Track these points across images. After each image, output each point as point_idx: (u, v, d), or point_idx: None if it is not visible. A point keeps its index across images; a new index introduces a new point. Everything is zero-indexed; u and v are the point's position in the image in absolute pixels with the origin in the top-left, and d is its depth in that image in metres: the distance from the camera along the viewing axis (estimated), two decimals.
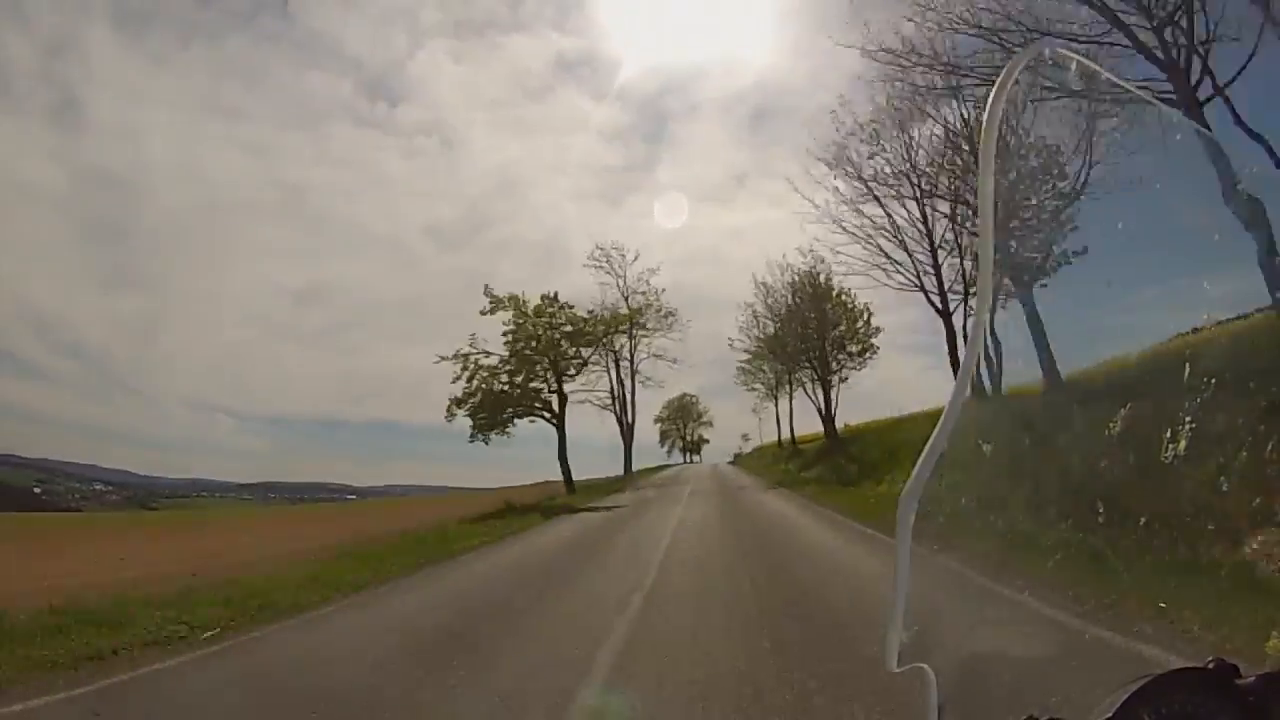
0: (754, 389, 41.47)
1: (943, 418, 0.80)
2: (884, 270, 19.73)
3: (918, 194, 18.27)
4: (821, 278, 27.98)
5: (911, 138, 17.68)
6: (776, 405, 41.52)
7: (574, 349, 28.79)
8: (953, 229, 17.77)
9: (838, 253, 20.64)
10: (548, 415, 28.21)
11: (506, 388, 26.82)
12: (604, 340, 31.21)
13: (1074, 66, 0.86)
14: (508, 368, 26.84)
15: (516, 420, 27.24)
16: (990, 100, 0.78)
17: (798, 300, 30.11)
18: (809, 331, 29.60)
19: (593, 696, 3.67)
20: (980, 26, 11.91)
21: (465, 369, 26.18)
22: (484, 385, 26.40)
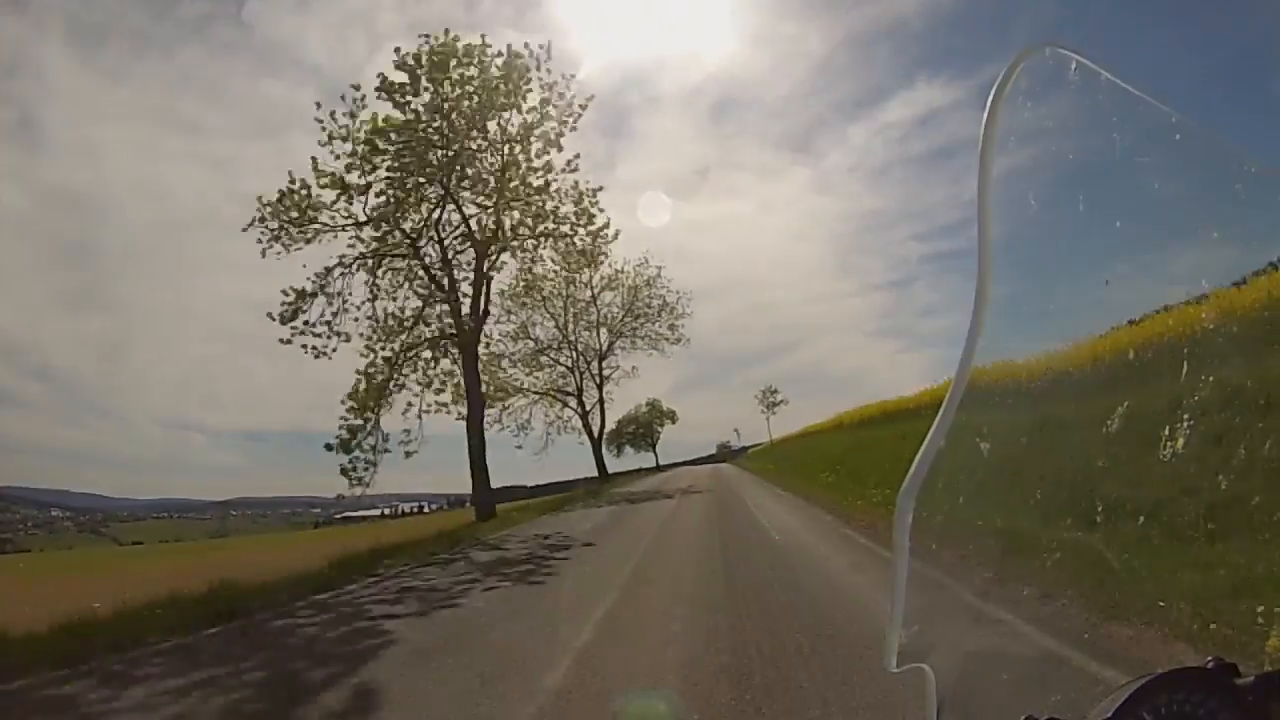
0: None
1: (940, 415, 0.80)
2: None
3: None
4: None
5: None
6: None
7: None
8: None
9: None
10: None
11: None
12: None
13: (1074, 66, 0.86)
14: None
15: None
16: (990, 101, 0.78)
17: None
18: None
19: None
20: None
21: None
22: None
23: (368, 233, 19.91)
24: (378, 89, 19.23)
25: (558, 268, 24.14)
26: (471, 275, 21.76)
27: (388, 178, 19.49)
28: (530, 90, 20.31)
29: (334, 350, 19.83)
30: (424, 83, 19.36)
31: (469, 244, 21.57)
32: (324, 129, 18.82)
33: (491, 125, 20.68)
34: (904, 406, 24.69)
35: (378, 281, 20.69)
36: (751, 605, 5.85)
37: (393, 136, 19.12)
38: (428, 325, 21.63)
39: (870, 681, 3.60)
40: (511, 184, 21.02)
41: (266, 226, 19.20)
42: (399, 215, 20.27)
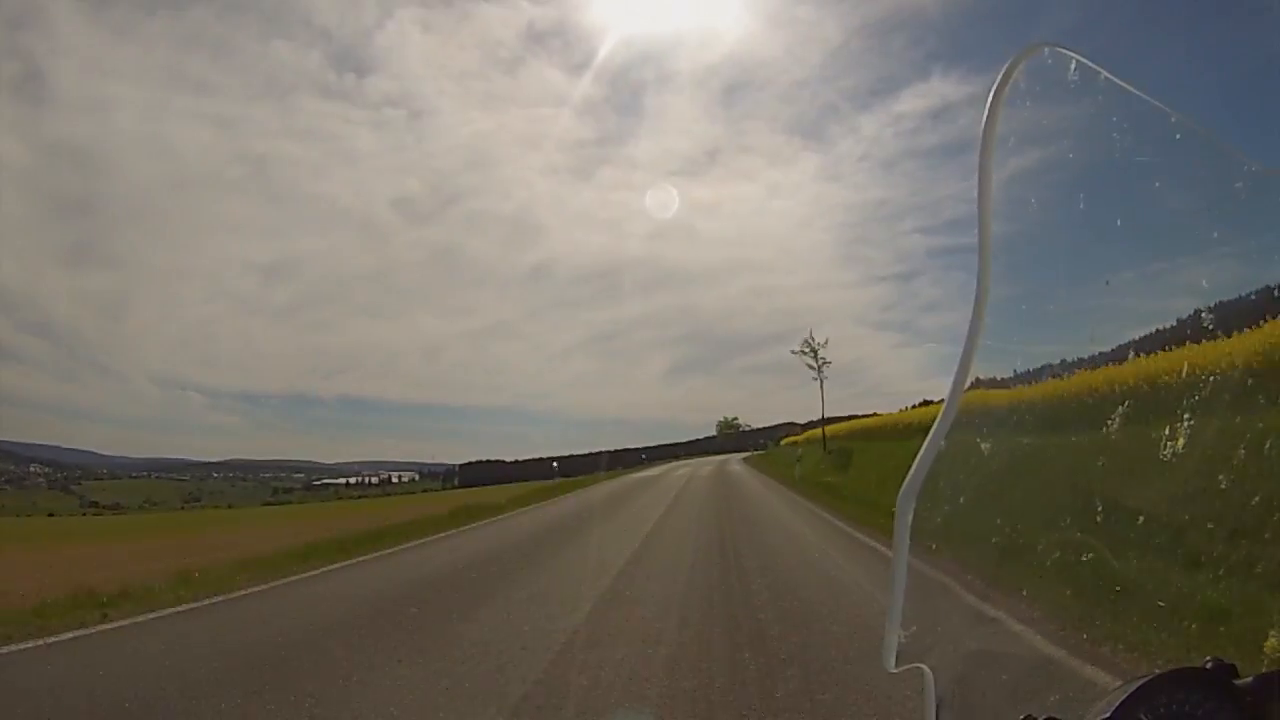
0: None
1: (940, 415, 0.80)
2: None
3: None
4: None
5: None
6: None
7: None
8: None
9: None
10: None
11: None
12: None
13: (1073, 65, 0.86)
14: None
15: None
16: (989, 100, 0.78)
17: None
18: None
19: None
20: None
21: None
22: None
23: None
24: None
25: None
26: None
27: None
28: None
29: None
30: None
31: None
32: None
33: None
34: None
35: None
36: None
37: None
38: None
39: None
40: None
41: None
42: None
